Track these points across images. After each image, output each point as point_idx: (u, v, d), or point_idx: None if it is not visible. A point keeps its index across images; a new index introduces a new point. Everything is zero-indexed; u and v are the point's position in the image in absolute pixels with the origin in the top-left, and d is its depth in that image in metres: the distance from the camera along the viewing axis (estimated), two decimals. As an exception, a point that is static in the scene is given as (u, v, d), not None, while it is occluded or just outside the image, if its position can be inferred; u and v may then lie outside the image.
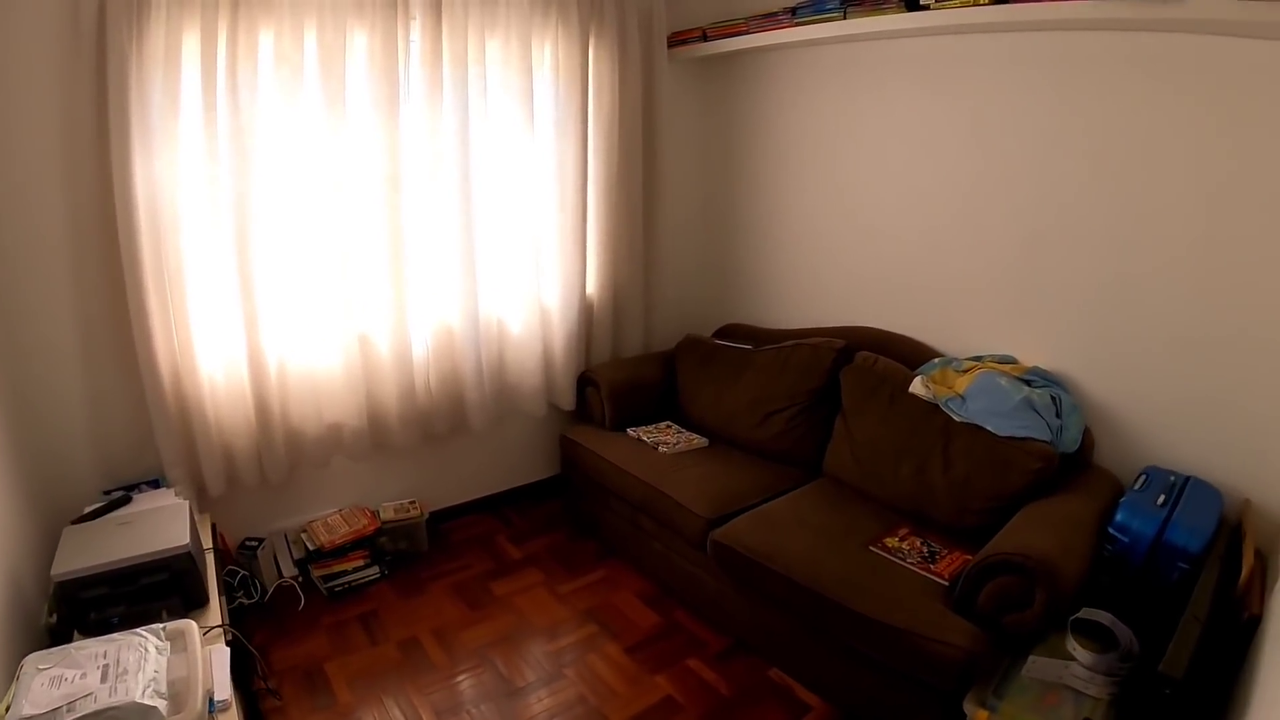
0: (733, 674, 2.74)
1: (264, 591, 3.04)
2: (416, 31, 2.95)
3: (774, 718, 2.54)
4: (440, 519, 3.69)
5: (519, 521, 3.81)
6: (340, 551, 3.15)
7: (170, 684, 1.68)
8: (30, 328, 2.54)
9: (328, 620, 2.98)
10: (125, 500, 2.54)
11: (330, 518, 3.28)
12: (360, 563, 3.19)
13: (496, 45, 3.19)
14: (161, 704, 1.59)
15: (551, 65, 3.40)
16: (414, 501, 3.50)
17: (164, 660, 1.74)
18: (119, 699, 1.56)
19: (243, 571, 2.97)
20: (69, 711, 1.54)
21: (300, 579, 3.15)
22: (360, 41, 2.84)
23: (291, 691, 2.59)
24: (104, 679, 1.63)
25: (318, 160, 2.84)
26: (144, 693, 1.59)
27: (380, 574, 3.23)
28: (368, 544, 3.22)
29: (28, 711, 1.54)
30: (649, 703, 2.60)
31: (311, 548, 3.13)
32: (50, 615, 2.17)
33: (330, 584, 3.11)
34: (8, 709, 1.58)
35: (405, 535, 3.40)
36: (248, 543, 3.08)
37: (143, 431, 2.75)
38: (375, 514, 3.34)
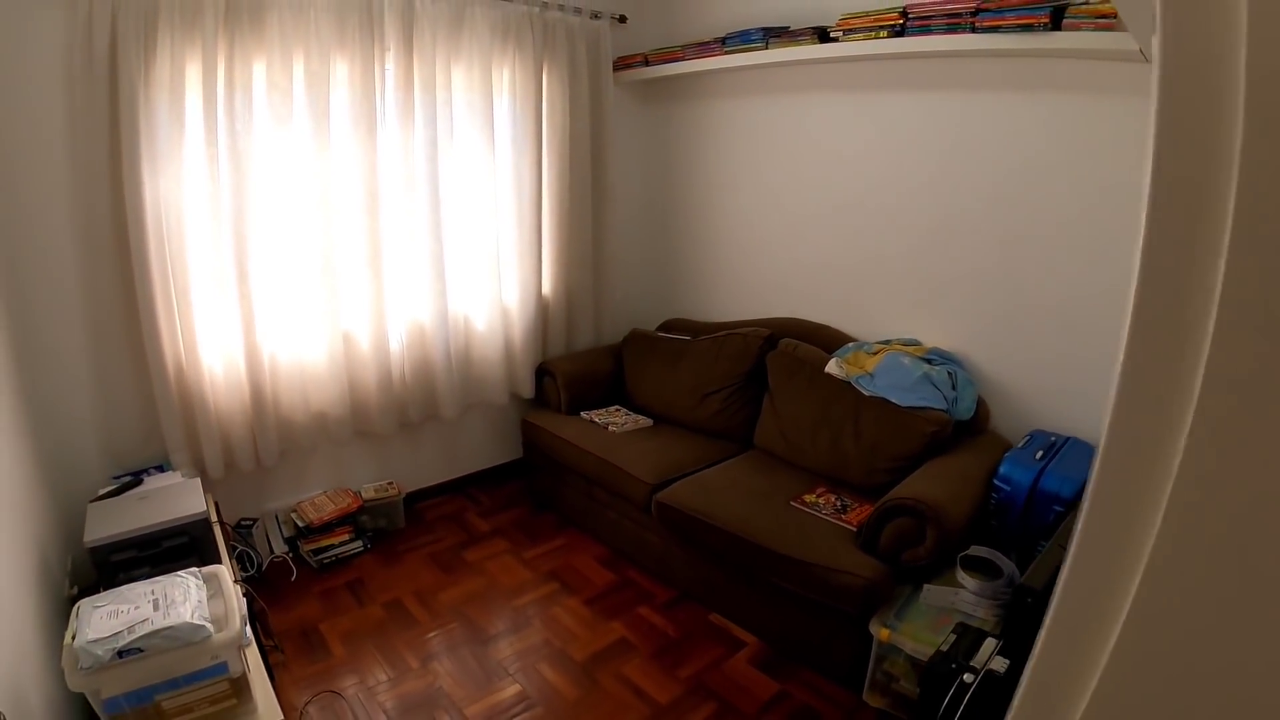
0: (678, 619, 3.09)
1: (259, 565, 3.31)
2: (391, 61, 3.24)
3: (715, 652, 2.89)
4: (415, 499, 3.98)
5: (485, 500, 4.12)
6: (327, 528, 3.43)
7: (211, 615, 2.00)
8: (47, 330, 2.73)
9: (318, 588, 3.26)
10: (137, 482, 2.79)
11: (317, 498, 3.56)
12: (345, 537, 3.46)
13: (460, 72, 3.49)
14: (209, 625, 1.92)
15: (509, 89, 3.71)
16: (391, 482, 3.78)
17: (204, 595, 2.04)
18: (173, 621, 1.87)
19: (240, 547, 3.23)
20: (129, 634, 1.81)
21: (291, 554, 3.42)
22: (342, 70, 3.12)
23: (291, 648, 2.87)
24: (156, 609, 1.90)
25: (306, 176, 3.11)
26: (193, 616, 1.90)
27: (363, 547, 3.52)
28: (351, 521, 3.50)
29: (92, 637, 1.81)
30: (606, 643, 2.94)
31: (301, 525, 3.40)
32: (72, 588, 2.38)
33: (319, 557, 3.38)
34: (73, 638, 1.87)
35: (384, 513, 3.71)
36: (243, 522, 3.34)
37: (148, 421, 2.99)
38: (357, 494, 3.62)
